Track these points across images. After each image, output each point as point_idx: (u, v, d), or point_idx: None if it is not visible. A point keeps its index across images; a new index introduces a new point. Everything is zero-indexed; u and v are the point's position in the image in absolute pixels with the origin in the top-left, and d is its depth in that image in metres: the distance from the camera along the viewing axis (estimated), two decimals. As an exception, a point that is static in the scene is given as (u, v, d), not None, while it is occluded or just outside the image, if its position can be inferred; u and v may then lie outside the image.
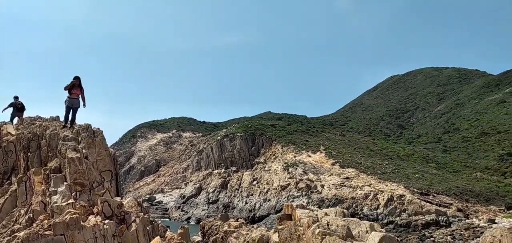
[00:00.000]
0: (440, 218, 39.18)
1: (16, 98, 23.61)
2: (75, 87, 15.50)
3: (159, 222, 13.42)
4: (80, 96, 15.74)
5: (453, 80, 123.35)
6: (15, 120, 22.79)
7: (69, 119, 16.22)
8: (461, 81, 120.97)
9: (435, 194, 44.74)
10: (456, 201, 43.29)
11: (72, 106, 15.91)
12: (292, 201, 16.86)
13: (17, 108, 23.24)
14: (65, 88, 15.49)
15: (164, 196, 70.22)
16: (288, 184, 53.40)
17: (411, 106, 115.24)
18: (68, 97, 15.69)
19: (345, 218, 11.90)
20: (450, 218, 39.17)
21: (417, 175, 52.08)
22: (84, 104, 15.81)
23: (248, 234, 15.53)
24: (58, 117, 21.48)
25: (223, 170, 66.61)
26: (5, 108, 23.05)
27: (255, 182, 59.28)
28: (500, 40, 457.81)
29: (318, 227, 10.76)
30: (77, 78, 15.59)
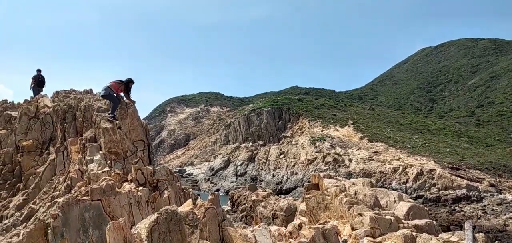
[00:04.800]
0: (471, 193, 38.37)
1: (38, 71, 23.28)
2: (121, 88, 14.52)
3: (190, 190, 13.86)
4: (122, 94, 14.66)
5: (489, 52, 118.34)
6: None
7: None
8: (497, 53, 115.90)
9: (467, 169, 43.72)
10: (489, 176, 42.17)
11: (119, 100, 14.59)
12: (320, 173, 17.03)
13: (38, 82, 23.01)
14: (122, 88, 14.39)
15: (194, 169, 71.72)
16: (315, 158, 53.38)
17: (444, 79, 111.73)
18: (116, 95, 14.42)
19: (373, 188, 11.95)
20: (481, 193, 38.29)
21: (448, 150, 50.96)
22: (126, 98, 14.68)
23: (276, 203, 15.86)
24: (91, 90, 22.18)
25: (250, 144, 67.17)
26: (31, 84, 22.75)
27: (282, 156, 59.56)
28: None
29: (346, 196, 10.88)
30: (131, 82, 14.65)
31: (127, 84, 14.53)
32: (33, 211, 14.09)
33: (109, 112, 14.41)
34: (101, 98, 15.14)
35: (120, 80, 14.56)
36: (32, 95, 22.54)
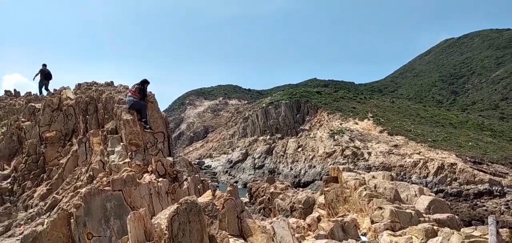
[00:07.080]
0: (494, 188, 37.56)
1: (44, 65, 24.68)
2: (137, 90, 14.47)
3: (209, 182, 13.97)
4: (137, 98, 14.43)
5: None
6: (43, 90, 24.12)
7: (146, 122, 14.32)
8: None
9: (490, 163, 42.75)
10: (513, 171, 41.14)
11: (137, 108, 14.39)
12: (338, 166, 16.71)
13: (45, 75, 24.30)
14: (142, 93, 14.39)
15: (212, 161, 72.25)
16: (334, 151, 53.04)
17: (467, 71, 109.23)
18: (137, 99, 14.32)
19: (393, 181, 11.79)
20: (505, 188, 37.43)
21: (470, 144, 49.89)
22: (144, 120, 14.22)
23: (294, 196, 15.84)
24: (112, 82, 22.50)
25: (268, 136, 67.16)
26: (36, 75, 24.31)
27: (300, 149, 59.37)
28: None
29: (365, 189, 10.78)
30: (146, 83, 14.70)
31: (142, 85, 14.71)
32: (56, 201, 14.45)
33: (144, 121, 14.17)
34: (129, 109, 14.53)
35: (136, 84, 14.80)
36: (38, 86, 23.97)
